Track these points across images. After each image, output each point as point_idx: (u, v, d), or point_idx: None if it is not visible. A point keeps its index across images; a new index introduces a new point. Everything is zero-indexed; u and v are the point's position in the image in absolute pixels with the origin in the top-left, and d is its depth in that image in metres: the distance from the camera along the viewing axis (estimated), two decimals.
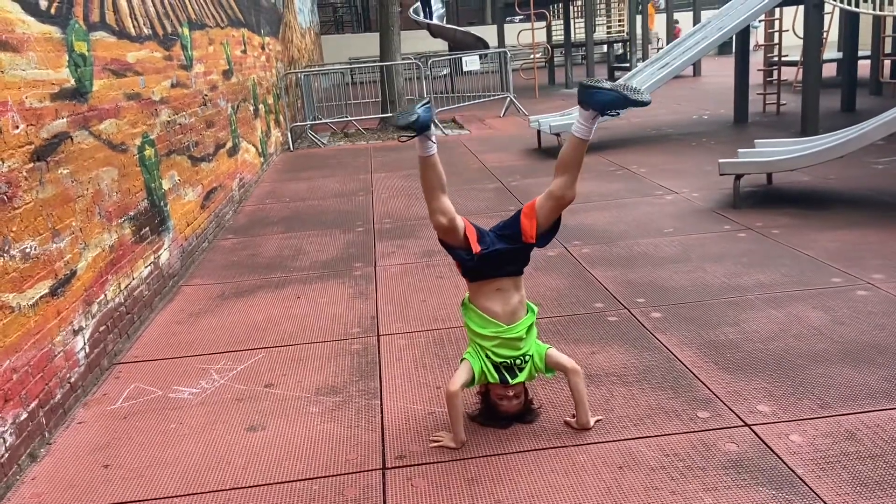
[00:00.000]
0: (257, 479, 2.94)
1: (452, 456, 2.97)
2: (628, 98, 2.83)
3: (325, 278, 5.36)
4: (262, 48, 11.04)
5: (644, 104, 2.87)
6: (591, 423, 3.08)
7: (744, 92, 10.85)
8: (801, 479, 2.64)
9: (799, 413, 3.06)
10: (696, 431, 3.00)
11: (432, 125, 2.88)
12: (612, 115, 2.93)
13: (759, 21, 12.98)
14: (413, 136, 2.86)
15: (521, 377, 3.02)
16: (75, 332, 3.74)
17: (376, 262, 5.67)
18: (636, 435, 3.01)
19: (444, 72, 16.75)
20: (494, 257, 2.96)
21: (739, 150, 6.88)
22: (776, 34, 11.72)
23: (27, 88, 3.50)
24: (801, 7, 9.86)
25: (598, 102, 2.85)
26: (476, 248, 2.93)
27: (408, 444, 3.09)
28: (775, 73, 11.77)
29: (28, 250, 3.34)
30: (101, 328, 4.06)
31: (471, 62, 14.66)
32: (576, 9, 20.35)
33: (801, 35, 9.89)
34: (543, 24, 18.74)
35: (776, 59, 11.82)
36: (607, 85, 2.86)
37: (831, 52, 13.65)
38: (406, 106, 2.83)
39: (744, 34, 10.71)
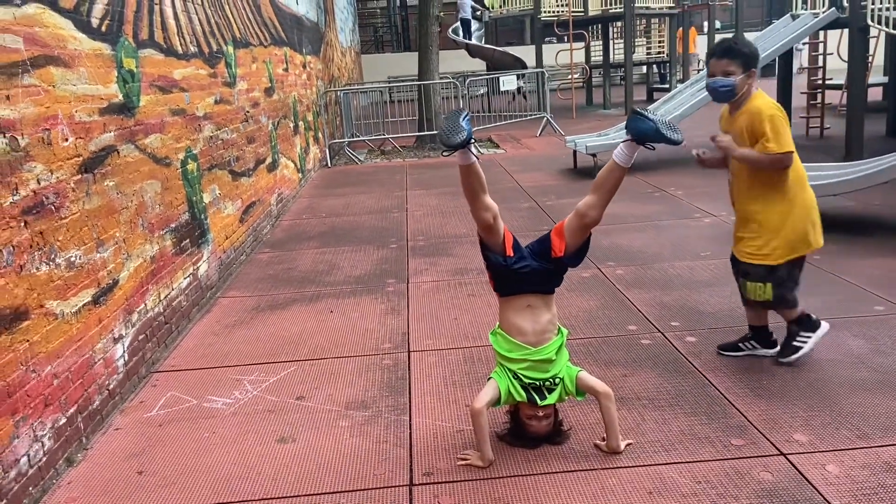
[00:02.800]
0: (286, 491, 2.97)
1: (480, 475, 2.96)
2: (658, 130, 2.91)
3: (358, 293, 5.40)
4: (304, 66, 11.25)
5: (674, 143, 2.95)
6: (622, 446, 3.05)
7: (786, 114, 10.68)
8: None
9: (836, 443, 2.99)
10: (730, 459, 2.94)
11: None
12: (649, 148, 3.00)
13: (804, 44, 12.80)
14: (467, 146, 2.85)
15: (551, 399, 3.01)
16: (115, 340, 3.84)
17: (409, 278, 5.70)
18: (667, 460, 2.97)
19: (482, 91, 16.85)
20: (526, 273, 2.97)
21: None
22: (820, 57, 11.55)
23: (77, 103, 3.62)
24: (846, 30, 9.71)
25: (635, 129, 2.95)
26: (510, 252, 2.97)
27: (435, 461, 3.09)
28: (819, 96, 11.60)
29: (73, 259, 3.44)
30: (141, 337, 4.16)
31: (507, 82, 14.72)
32: (615, 30, 20.33)
33: (846, 58, 9.75)
34: (582, 44, 18.75)
35: (820, 82, 11.65)
36: (652, 116, 2.93)
37: (877, 75, 13.38)
38: (448, 122, 2.84)
39: (787, 57, 10.58)
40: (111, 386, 3.74)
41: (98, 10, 4.00)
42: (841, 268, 5.15)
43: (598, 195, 3.00)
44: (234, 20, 7.01)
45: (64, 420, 3.25)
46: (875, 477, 2.75)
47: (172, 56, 5.13)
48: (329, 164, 12.26)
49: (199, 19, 5.83)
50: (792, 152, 3.49)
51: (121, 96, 4.17)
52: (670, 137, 2.92)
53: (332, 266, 6.18)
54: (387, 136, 13.43)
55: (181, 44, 5.35)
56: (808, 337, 3.73)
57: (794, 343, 3.74)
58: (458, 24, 19.79)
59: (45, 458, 3.08)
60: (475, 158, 2.92)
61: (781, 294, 3.63)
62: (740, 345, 3.91)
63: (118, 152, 4.05)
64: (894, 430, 3.06)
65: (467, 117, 2.87)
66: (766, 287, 3.62)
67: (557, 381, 3.01)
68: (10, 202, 2.97)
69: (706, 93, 10.06)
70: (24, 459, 2.94)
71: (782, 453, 2.95)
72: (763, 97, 3.59)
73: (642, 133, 2.92)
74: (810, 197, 3.66)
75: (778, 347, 3.83)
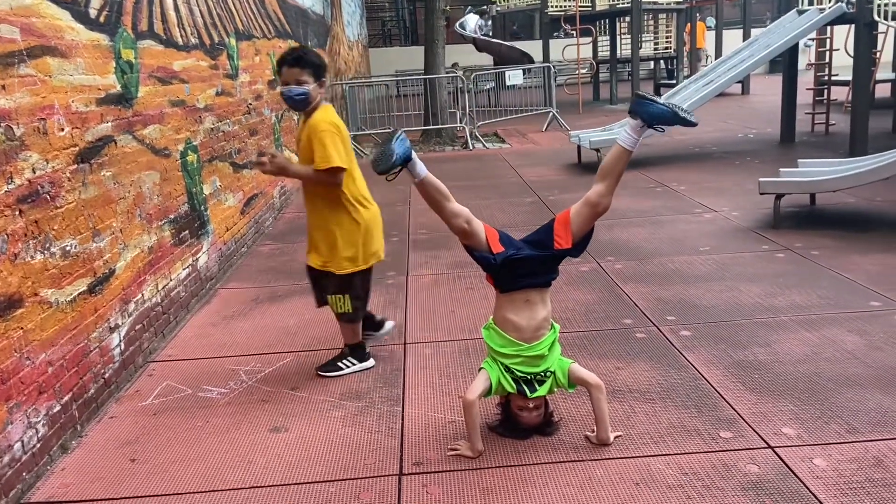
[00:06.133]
0: (276, 480, 2.99)
1: (469, 465, 2.98)
2: (677, 115, 2.92)
3: None
4: None
5: (691, 124, 2.97)
6: (611, 438, 3.06)
7: (791, 111, 10.64)
8: None
9: (825, 437, 2.99)
10: (718, 451, 2.95)
11: (412, 152, 2.91)
12: (659, 131, 3.01)
13: (811, 40, 12.71)
14: (399, 171, 2.90)
15: (542, 391, 3.02)
16: (111, 330, 3.87)
17: (409, 271, 5.72)
18: (655, 452, 2.98)
19: (489, 86, 16.82)
20: (524, 263, 2.96)
21: (781, 170, 6.75)
22: (827, 53, 11.48)
23: (74, 93, 3.65)
24: (853, 26, 9.64)
25: (646, 113, 2.93)
26: (498, 247, 2.95)
27: (425, 452, 3.11)
28: (825, 92, 11.53)
29: (68, 248, 3.47)
30: (138, 327, 4.19)
31: (513, 76, 14.70)
32: (622, 25, 20.23)
33: (853, 54, 9.68)
34: (589, 39, 18.68)
35: (826, 78, 11.57)
36: (661, 100, 2.95)
37: (885, 72, 13.29)
38: (379, 149, 2.89)
39: (792, 52, 10.52)
40: (107, 375, 3.77)
41: (96, 1, 4.02)
42: (839, 263, 5.13)
43: (606, 182, 2.99)
44: (236, 12, 7.03)
45: (58, 407, 3.28)
46: (862, 471, 2.75)
47: (172, 47, 5.15)
48: None
49: (200, 11, 5.85)
50: (342, 168, 3.57)
51: (119, 87, 4.19)
52: (686, 119, 2.93)
53: None
54: (393, 129, 13.42)
55: (181, 35, 5.37)
56: (354, 364, 3.94)
57: (339, 363, 3.93)
58: (465, 18, 19.74)
59: (39, 445, 3.11)
60: (424, 173, 2.93)
61: (357, 306, 3.82)
62: (339, 363, 3.96)
63: (116, 143, 4.07)
64: (884, 424, 3.06)
65: (399, 138, 2.87)
66: (345, 298, 3.77)
67: (549, 373, 3.02)
68: (5, 191, 3.00)
69: (713, 87, 10.03)
70: (18, 445, 2.97)
71: (770, 446, 2.95)
72: (324, 112, 3.66)
73: (657, 117, 2.91)
74: (373, 210, 3.81)
75: (372, 361, 4.01)
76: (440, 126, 13.23)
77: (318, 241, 3.78)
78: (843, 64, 11.94)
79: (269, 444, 3.27)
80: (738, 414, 3.22)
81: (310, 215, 3.82)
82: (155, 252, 4.51)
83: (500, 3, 20.87)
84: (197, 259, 5.27)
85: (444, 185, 2.99)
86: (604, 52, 20.01)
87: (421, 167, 2.93)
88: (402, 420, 3.40)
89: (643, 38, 19.27)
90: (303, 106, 3.64)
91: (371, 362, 4.00)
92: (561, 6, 18.64)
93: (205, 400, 3.76)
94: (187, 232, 5.10)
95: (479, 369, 3.09)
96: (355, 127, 13.38)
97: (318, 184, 3.65)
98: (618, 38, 19.01)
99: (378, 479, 2.94)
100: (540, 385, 3.01)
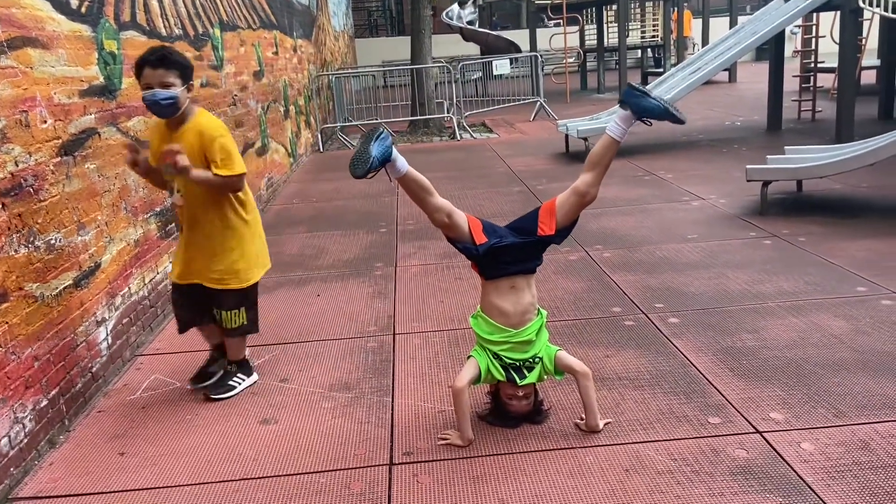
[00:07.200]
0: (266, 471, 2.98)
1: (459, 454, 2.98)
2: (667, 110, 2.93)
3: (346, 277, 5.41)
4: (295, 50, 11.19)
5: (680, 121, 3.00)
6: (601, 425, 3.07)
7: (778, 98, 10.67)
8: (809, 486, 2.59)
9: (812, 421, 3.02)
10: (706, 437, 2.97)
11: (393, 149, 2.86)
12: (646, 124, 3.00)
13: (798, 27, 12.74)
14: (378, 171, 2.85)
15: (531, 378, 3.02)
16: (98, 324, 3.84)
17: (397, 262, 5.70)
18: (645, 439, 2.99)
19: (476, 75, 16.79)
20: (507, 251, 2.96)
21: (768, 157, 6.78)
22: (813, 40, 11.51)
23: (56, 84, 3.60)
24: (839, 12, 9.67)
25: (637, 105, 2.94)
26: (481, 238, 2.95)
27: (416, 441, 3.11)
28: (811, 79, 11.57)
29: (53, 242, 3.43)
30: (125, 320, 4.16)
31: (500, 66, 14.67)
32: (609, 13, 20.22)
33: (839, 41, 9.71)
34: (577, 28, 18.65)
35: (812, 65, 11.62)
36: (653, 94, 2.95)
37: (871, 58, 13.33)
38: (357, 149, 2.83)
39: (779, 40, 10.54)
40: (94, 369, 3.74)
41: None
42: (826, 250, 5.16)
43: (594, 172, 2.99)
44: (220, 2, 6.96)
45: (45, 402, 3.26)
46: (849, 454, 2.77)
47: (156, 38, 5.09)
48: (321, 149, 12.23)
49: (183, 1, 5.79)
50: (244, 174, 3.43)
51: (102, 78, 4.14)
52: (675, 115, 2.94)
53: (321, 250, 6.18)
54: (380, 120, 13.37)
55: (165, 26, 5.31)
56: (243, 380, 3.70)
57: (230, 382, 3.67)
58: (454, 6, 19.66)
59: (26, 440, 3.08)
60: (405, 169, 2.90)
61: (254, 317, 3.66)
62: (230, 382, 3.69)
63: (100, 135, 4.03)
64: (871, 408, 3.08)
65: (380, 136, 2.81)
66: (241, 312, 3.58)
67: (537, 360, 3.03)
68: None
69: (699, 76, 10.04)
70: (5, 440, 2.95)
71: (758, 431, 2.97)
72: (207, 116, 3.44)
73: (647, 111, 2.91)
74: (257, 215, 3.69)
75: (255, 375, 3.79)
76: (427, 116, 13.20)
77: (214, 256, 3.48)
78: (829, 51, 11.99)
79: (258, 436, 3.26)
80: (727, 400, 3.24)
81: (196, 230, 3.49)
82: (141, 245, 4.47)
83: None
84: None
85: (426, 180, 2.96)
86: (591, 40, 19.99)
87: (401, 164, 2.89)
88: (392, 410, 3.40)
89: (630, 27, 19.27)
90: (171, 112, 3.30)
91: (255, 377, 3.78)
92: None
93: (194, 392, 3.73)
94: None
95: (468, 357, 3.09)
96: (342, 118, 13.33)
97: (217, 190, 3.38)
98: (605, 26, 19.00)
99: (368, 470, 2.94)
100: (529, 372, 3.02)
